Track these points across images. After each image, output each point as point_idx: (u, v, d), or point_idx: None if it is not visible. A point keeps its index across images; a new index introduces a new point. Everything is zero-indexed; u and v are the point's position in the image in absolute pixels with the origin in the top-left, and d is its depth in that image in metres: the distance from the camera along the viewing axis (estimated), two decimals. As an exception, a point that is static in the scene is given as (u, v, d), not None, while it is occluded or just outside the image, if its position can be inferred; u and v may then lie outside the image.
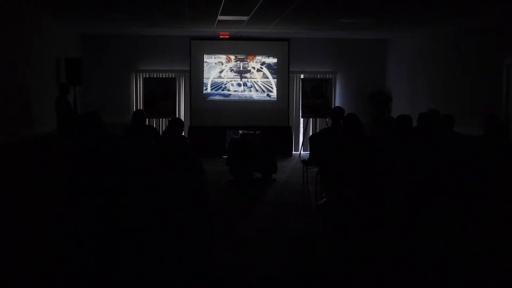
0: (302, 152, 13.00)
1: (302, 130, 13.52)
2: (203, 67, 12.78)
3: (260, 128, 10.86)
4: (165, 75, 13.05)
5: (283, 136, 12.77)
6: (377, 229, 5.53)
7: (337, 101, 13.48)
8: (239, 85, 12.91)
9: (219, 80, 12.84)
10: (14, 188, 4.52)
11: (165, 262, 3.93)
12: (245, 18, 9.81)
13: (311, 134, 12.67)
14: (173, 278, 3.92)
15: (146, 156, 4.54)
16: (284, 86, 13.04)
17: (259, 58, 12.89)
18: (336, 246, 5.70)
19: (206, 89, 12.81)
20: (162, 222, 3.98)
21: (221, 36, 12.79)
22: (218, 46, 12.91)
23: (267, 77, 12.92)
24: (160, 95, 12.45)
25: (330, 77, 13.52)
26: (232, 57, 12.85)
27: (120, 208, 4.03)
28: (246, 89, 12.94)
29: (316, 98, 12.91)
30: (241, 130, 10.41)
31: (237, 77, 12.89)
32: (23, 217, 4.14)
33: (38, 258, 3.90)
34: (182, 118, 12.70)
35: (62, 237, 3.94)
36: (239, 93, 12.92)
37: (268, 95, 12.97)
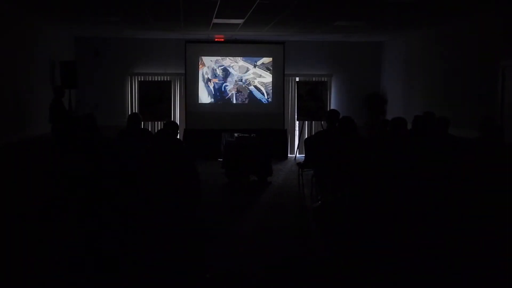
0: (297, 155, 12.99)
1: (297, 133, 13.52)
2: (199, 71, 12.77)
3: (255, 131, 10.84)
4: (161, 78, 13.04)
5: (279, 139, 12.76)
6: (372, 231, 5.52)
7: (333, 104, 13.49)
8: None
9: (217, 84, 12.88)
10: (8, 189, 4.51)
11: (159, 261, 3.92)
12: (240, 21, 9.81)
13: (306, 137, 12.66)
14: (166, 278, 3.91)
15: (139, 158, 4.53)
16: (279, 89, 13.04)
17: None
18: (331, 248, 5.69)
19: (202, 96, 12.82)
20: (155, 222, 3.98)
21: (216, 39, 12.79)
22: (214, 49, 12.91)
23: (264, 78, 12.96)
24: (155, 98, 12.41)
25: (326, 80, 13.53)
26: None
27: (115, 208, 4.03)
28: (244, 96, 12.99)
29: (311, 101, 12.89)
30: (236, 133, 10.40)
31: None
32: (18, 218, 4.13)
33: (31, 257, 3.89)
34: (178, 121, 12.69)
35: (55, 237, 3.93)
36: (235, 96, 12.94)
37: (264, 98, 12.99)
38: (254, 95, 12.99)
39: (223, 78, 12.88)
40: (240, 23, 10.08)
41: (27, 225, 4.06)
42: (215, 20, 9.72)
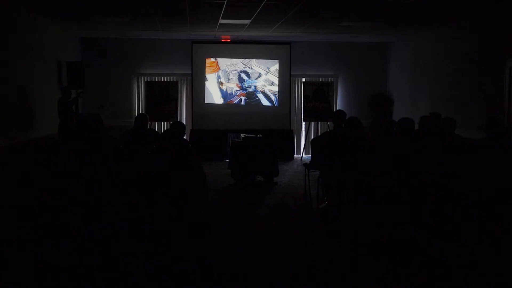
0: (304, 155, 12.98)
1: (304, 134, 13.51)
2: (205, 71, 12.79)
3: (262, 131, 10.85)
4: (167, 79, 13.06)
5: (285, 140, 12.75)
6: (378, 231, 5.52)
7: (339, 105, 13.47)
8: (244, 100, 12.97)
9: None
10: (13, 190, 4.53)
11: (165, 262, 3.93)
12: (246, 21, 9.81)
13: (313, 137, 12.65)
14: (173, 278, 3.92)
15: (145, 158, 4.54)
16: (285, 89, 13.04)
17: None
18: (338, 249, 5.69)
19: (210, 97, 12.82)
20: (161, 223, 3.99)
21: (222, 40, 12.80)
22: (220, 49, 12.92)
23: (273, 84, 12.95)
24: (161, 98, 12.45)
25: (332, 80, 13.52)
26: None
27: (119, 209, 4.03)
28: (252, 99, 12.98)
29: (317, 102, 12.89)
30: (243, 133, 10.40)
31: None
32: (22, 218, 4.14)
33: (35, 259, 3.90)
34: (184, 121, 12.71)
35: (60, 238, 3.94)
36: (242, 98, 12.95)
37: (271, 99, 12.98)
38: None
39: (235, 81, 12.86)
40: (246, 24, 10.09)
41: (31, 225, 4.07)
42: (221, 21, 9.73)
